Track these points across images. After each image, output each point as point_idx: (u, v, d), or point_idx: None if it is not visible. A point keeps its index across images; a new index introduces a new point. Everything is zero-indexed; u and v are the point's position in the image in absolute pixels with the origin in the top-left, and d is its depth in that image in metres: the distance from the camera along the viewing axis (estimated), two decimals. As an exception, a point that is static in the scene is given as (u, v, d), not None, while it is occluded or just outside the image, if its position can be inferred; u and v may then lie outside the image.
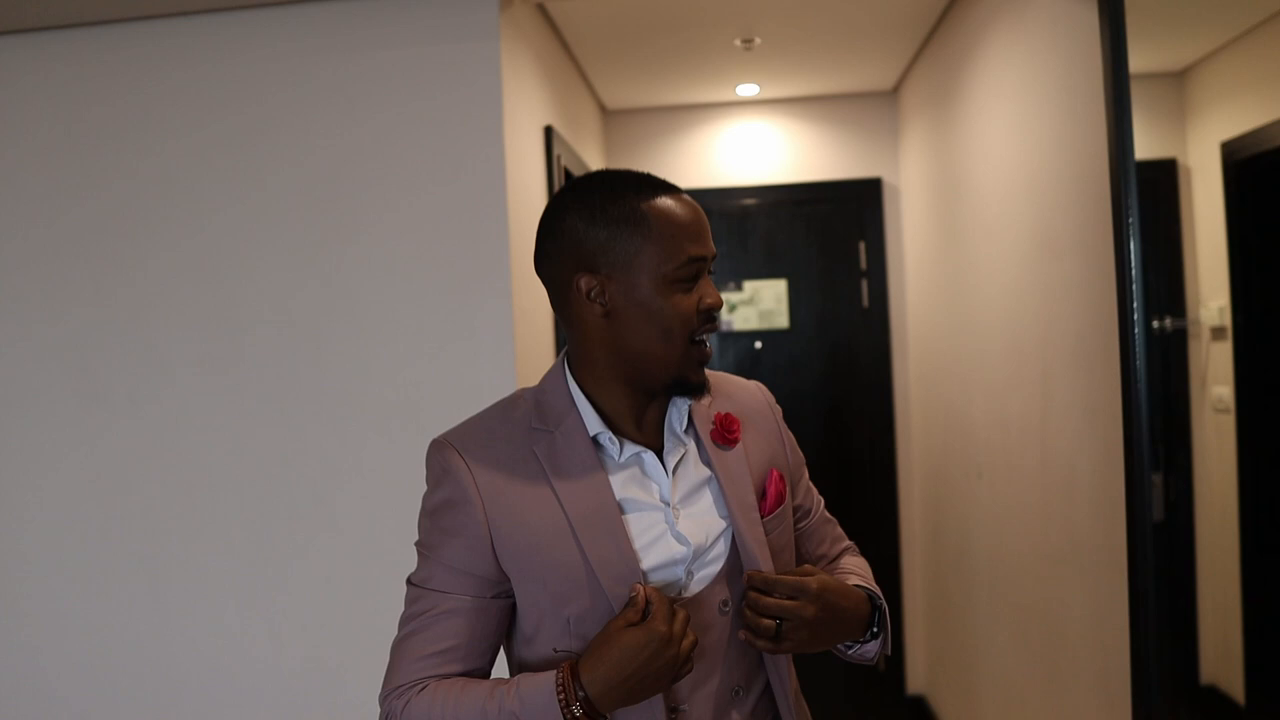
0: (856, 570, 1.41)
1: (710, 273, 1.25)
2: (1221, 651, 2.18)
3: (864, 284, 3.99)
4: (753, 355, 4.06)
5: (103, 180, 2.38)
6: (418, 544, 1.27)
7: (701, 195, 4.01)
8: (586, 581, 1.20)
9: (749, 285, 4.05)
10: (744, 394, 1.38)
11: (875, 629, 1.31)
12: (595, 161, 3.70)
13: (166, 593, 2.37)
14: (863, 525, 3.99)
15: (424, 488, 1.27)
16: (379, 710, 1.21)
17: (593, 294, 1.21)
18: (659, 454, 1.28)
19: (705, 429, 1.30)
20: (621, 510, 1.24)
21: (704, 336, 1.23)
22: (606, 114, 4.06)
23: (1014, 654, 2.69)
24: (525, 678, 1.16)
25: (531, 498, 1.23)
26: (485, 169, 2.31)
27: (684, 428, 1.30)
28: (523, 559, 1.22)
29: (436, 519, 1.24)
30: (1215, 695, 2.20)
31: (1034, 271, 2.38)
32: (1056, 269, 2.23)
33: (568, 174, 2.97)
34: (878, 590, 1.35)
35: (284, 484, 2.36)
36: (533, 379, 2.28)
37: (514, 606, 1.25)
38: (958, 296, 3.15)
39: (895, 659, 4.01)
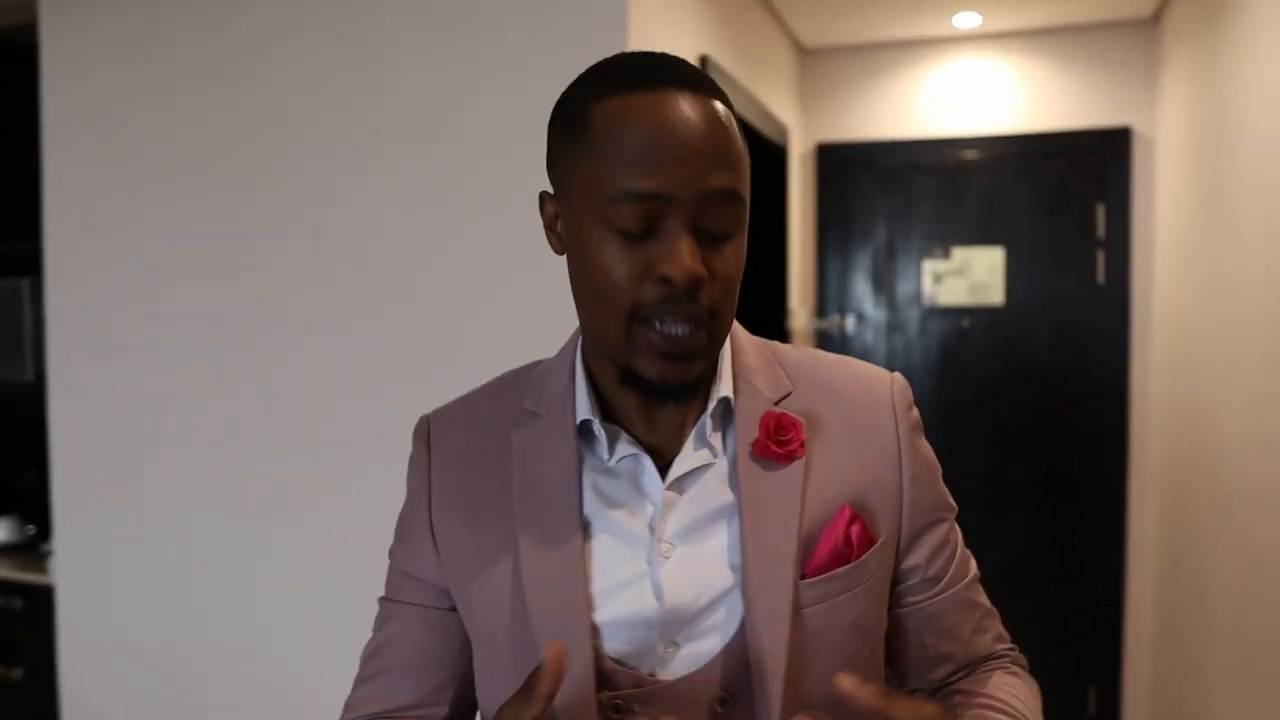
0: (1003, 706, 0.92)
1: (709, 225, 0.81)
2: None
3: (1101, 256, 3.31)
4: (959, 335, 3.49)
5: (228, 102, 2.24)
6: (390, 549, 1.02)
7: (909, 148, 3.48)
8: (515, 621, 0.87)
9: (958, 253, 3.48)
10: (854, 387, 0.95)
11: None
12: (783, 107, 3.26)
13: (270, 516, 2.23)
14: (1081, 547, 3.37)
15: None
16: None
17: (553, 222, 0.89)
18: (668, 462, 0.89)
19: (748, 435, 0.89)
20: (588, 532, 0.88)
21: (664, 319, 0.81)
22: (804, 54, 3.59)
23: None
24: None
25: (487, 502, 0.92)
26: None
27: (713, 429, 0.90)
28: (457, 579, 0.94)
29: (401, 513, 1.01)
30: None
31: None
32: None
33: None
34: None
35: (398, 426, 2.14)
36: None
37: None
38: (1216, 274, 2.49)
39: (1110, 705, 3.36)
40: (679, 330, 0.81)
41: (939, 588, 0.95)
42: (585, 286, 0.85)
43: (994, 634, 0.99)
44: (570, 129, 0.84)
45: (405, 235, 2.13)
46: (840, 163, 3.57)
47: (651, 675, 0.86)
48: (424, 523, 0.96)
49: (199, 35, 2.27)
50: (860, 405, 0.93)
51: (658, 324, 0.81)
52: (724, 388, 0.90)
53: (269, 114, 2.22)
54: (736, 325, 0.96)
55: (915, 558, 0.94)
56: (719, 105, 0.84)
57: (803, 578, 0.86)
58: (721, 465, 0.90)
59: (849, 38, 3.48)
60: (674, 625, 0.86)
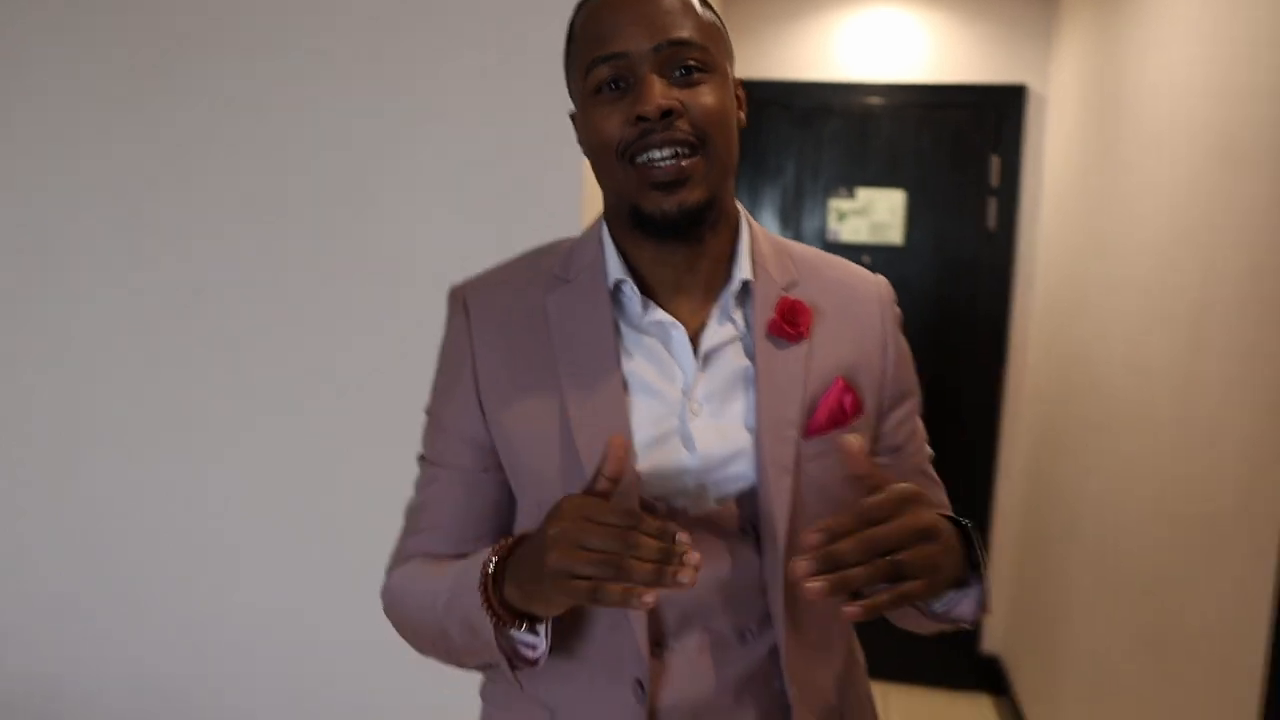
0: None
1: (676, 71, 0.95)
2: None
3: (992, 203, 3.59)
4: (858, 271, 3.71)
5: (154, 14, 2.18)
6: (426, 408, 1.11)
7: (819, 90, 3.65)
8: (567, 470, 0.99)
9: (862, 193, 3.70)
10: (849, 281, 1.11)
11: (975, 567, 0.97)
12: (708, 41, 3.36)
13: (194, 440, 2.25)
14: (955, 463, 3.68)
15: None
16: None
17: (577, 127, 1.05)
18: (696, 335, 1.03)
19: (764, 316, 1.03)
20: (625, 389, 1.01)
21: (651, 154, 0.94)
22: (726, -8, 3.70)
23: (1114, 626, 2.39)
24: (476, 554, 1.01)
25: (527, 359, 1.03)
26: (551, 27, 2.01)
27: (734, 306, 1.04)
28: (505, 430, 1.03)
29: (438, 376, 1.11)
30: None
31: (1203, 186, 2.01)
32: (1236, 185, 1.85)
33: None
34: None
35: (317, 345, 2.18)
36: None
37: None
38: (1103, 215, 2.77)
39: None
40: (662, 155, 0.94)
41: (898, 455, 1.12)
42: (593, 155, 0.99)
43: (937, 503, 1.14)
44: (566, 48, 1.02)
45: (344, 150, 2.12)
46: (757, 101, 3.71)
47: (685, 512, 1.00)
48: (469, 383, 1.05)
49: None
50: (855, 298, 1.09)
51: (644, 156, 0.94)
52: (744, 270, 1.04)
53: (204, 29, 2.18)
54: (751, 218, 1.10)
55: (885, 426, 1.10)
56: None
57: (805, 438, 1.01)
58: (741, 339, 1.04)
59: (772, -21, 3.60)
60: (704, 471, 1.00)
